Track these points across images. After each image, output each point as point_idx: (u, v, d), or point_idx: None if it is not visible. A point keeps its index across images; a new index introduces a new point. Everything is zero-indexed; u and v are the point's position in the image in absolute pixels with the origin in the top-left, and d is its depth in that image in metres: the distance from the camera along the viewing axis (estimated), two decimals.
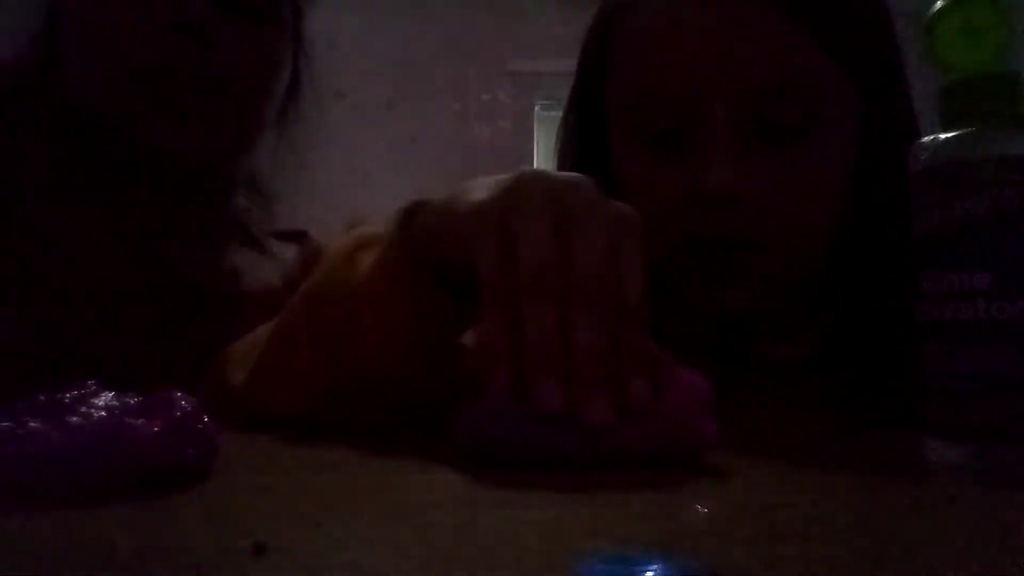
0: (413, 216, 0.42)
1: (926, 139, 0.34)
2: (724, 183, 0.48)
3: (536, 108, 3.78)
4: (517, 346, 0.33)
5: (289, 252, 0.74)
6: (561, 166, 0.62)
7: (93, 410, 0.29)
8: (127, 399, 0.30)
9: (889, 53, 0.55)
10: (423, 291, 0.40)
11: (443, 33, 3.32)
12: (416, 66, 3.28)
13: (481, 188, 0.38)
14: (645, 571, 0.17)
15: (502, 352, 0.33)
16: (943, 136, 0.33)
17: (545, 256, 0.34)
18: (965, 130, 0.33)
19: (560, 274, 0.33)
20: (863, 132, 0.52)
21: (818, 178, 0.51)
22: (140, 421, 0.29)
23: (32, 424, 0.28)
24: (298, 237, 0.76)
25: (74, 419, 0.28)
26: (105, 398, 0.29)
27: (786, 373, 0.56)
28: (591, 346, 0.32)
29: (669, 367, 0.34)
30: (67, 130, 0.60)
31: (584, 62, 0.59)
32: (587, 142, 0.59)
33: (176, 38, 0.56)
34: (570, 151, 0.62)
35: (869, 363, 0.53)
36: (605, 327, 0.33)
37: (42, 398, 0.29)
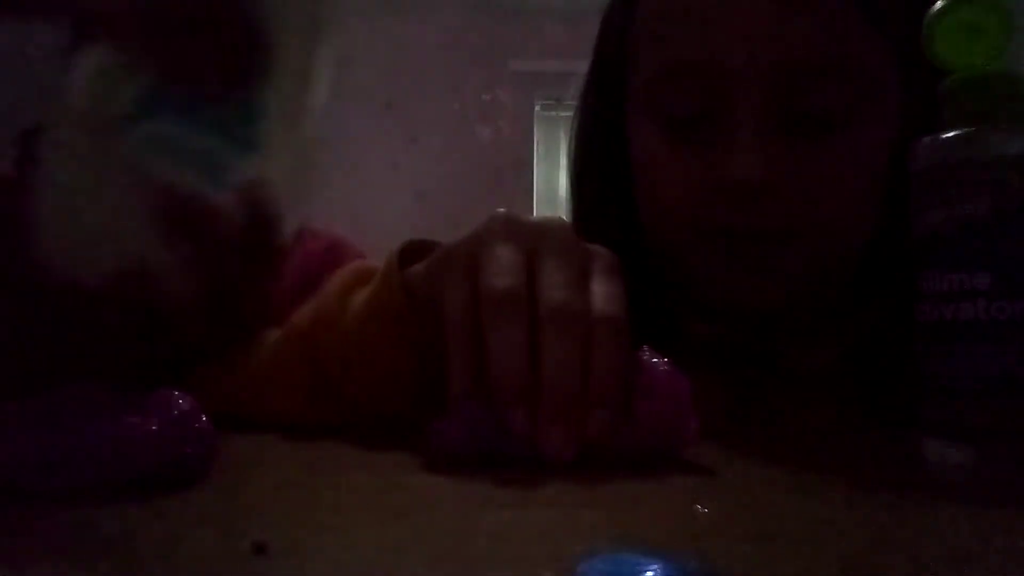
0: (407, 255, 0.42)
1: (926, 139, 0.34)
2: (752, 172, 0.44)
3: (536, 108, 3.78)
4: (480, 375, 0.33)
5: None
6: (578, 151, 0.58)
7: (93, 409, 0.29)
8: (126, 398, 0.30)
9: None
10: (413, 333, 0.40)
11: (443, 33, 3.32)
12: (416, 66, 3.29)
13: (459, 242, 0.38)
14: (645, 571, 0.17)
15: (466, 385, 0.33)
16: (943, 136, 0.33)
17: (508, 283, 0.33)
18: (965, 130, 0.33)
19: (524, 299, 0.33)
20: (903, 125, 0.47)
21: (854, 172, 0.47)
22: (137, 419, 0.29)
23: (32, 423, 0.28)
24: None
25: (73, 417, 0.28)
26: (104, 397, 0.29)
27: (813, 380, 0.53)
28: (557, 366, 0.32)
29: (647, 372, 0.33)
30: None
31: (604, 33, 0.54)
32: (605, 126, 0.55)
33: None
34: (586, 136, 0.58)
35: (899, 368, 0.48)
36: (573, 347, 0.32)
37: (41, 398, 0.29)
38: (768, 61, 0.44)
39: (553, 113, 3.74)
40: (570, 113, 0.62)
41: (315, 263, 0.76)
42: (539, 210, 3.35)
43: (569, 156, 0.60)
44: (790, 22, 0.44)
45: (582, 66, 0.60)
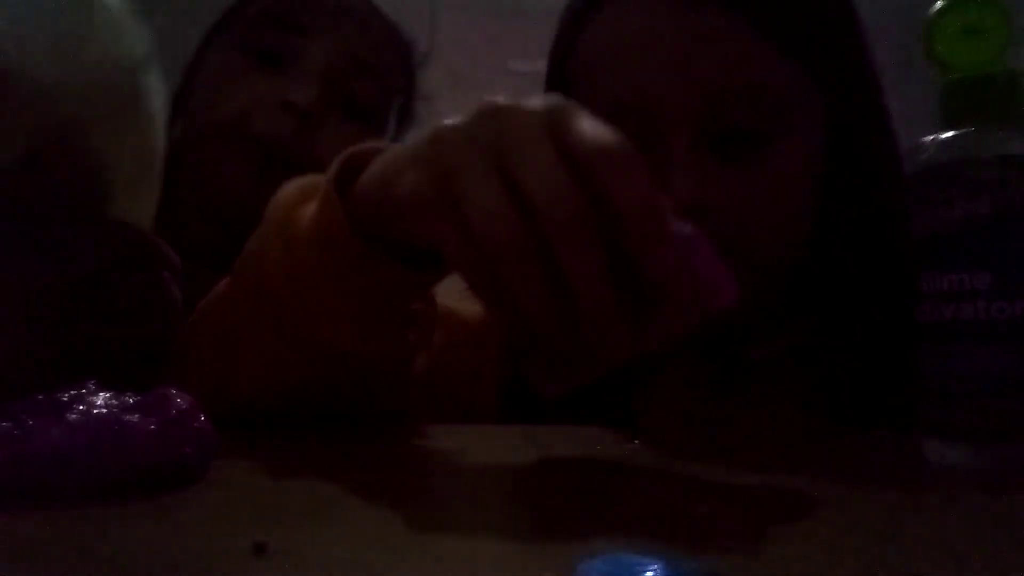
0: (350, 174, 0.39)
1: (926, 139, 0.34)
2: (688, 195, 0.47)
3: None
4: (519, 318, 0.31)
5: None
6: None
7: (92, 408, 0.29)
8: (125, 397, 0.30)
9: (856, 57, 0.54)
10: (363, 263, 0.38)
11: (443, 33, 3.32)
12: (416, 66, 3.29)
13: (409, 159, 0.35)
14: (645, 571, 0.17)
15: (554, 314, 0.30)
16: (943, 136, 0.33)
17: (499, 224, 0.30)
18: (965, 130, 0.33)
19: (521, 225, 0.30)
20: (830, 138, 0.52)
21: (785, 185, 0.51)
22: (136, 418, 0.29)
23: (31, 423, 0.28)
24: None
25: (72, 417, 0.28)
26: (103, 397, 0.29)
27: (767, 372, 0.55)
28: (587, 280, 0.29)
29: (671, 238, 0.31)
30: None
31: (550, 72, 0.59)
32: None
33: (282, 115, 0.65)
34: None
35: (846, 362, 0.54)
36: (593, 249, 0.30)
37: (40, 398, 0.29)
38: (686, 90, 0.48)
39: None
40: None
41: None
42: None
43: None
44: (706, 54, 0.48)
45: None
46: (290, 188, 0.43)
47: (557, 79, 0.57)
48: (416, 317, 0.44)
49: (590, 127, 0.31)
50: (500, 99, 0.33)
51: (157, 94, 0.48)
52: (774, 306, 0.55)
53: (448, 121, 0.34)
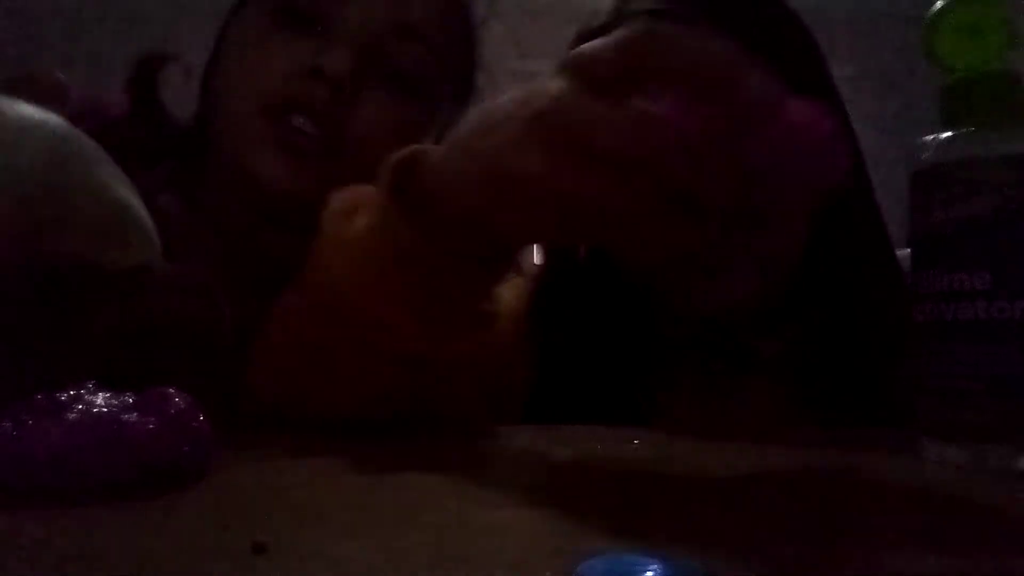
0: (408, 177, 0.39)
1: (926, 139, 0.34)
2: None
3: None
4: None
5: None
6: None
7: (91, 408, 0.29)
8: (124, 397, 0.30)
9: (819, 72, 0.58)
10: (426, 265, 0.38)
11: None
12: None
13: (509, 142, 0.33)
14: (644, 571, 0.17)
15: None
16: (943, 136, 0.33)
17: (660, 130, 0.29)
18: (965, 130, 0.33)
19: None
20: None
21: None
22: (135, 417, 0.29)
23: (30, 423, 0.28)
24: None
25: (72, 416, 0.28)
26: (102, 396, 0.29)
27: (771, 367, 0.57)
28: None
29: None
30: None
31: None
32: None
33: (312, 81, 0.57)
34: None
35: (834, 360, 0.56)
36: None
37: (39, 398, 0.29)
38: None
39: None
40: None
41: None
42: None
43: None
44: None
45: None
46: (340, 200, 0.43)
47: None
48: (485, 318, 0.43)
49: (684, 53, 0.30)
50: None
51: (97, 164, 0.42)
52: (780, 301, 0.56)
53: (530, 94, 0.33)
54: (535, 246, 0.65)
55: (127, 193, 0.41)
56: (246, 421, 0.41)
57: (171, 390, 0.31)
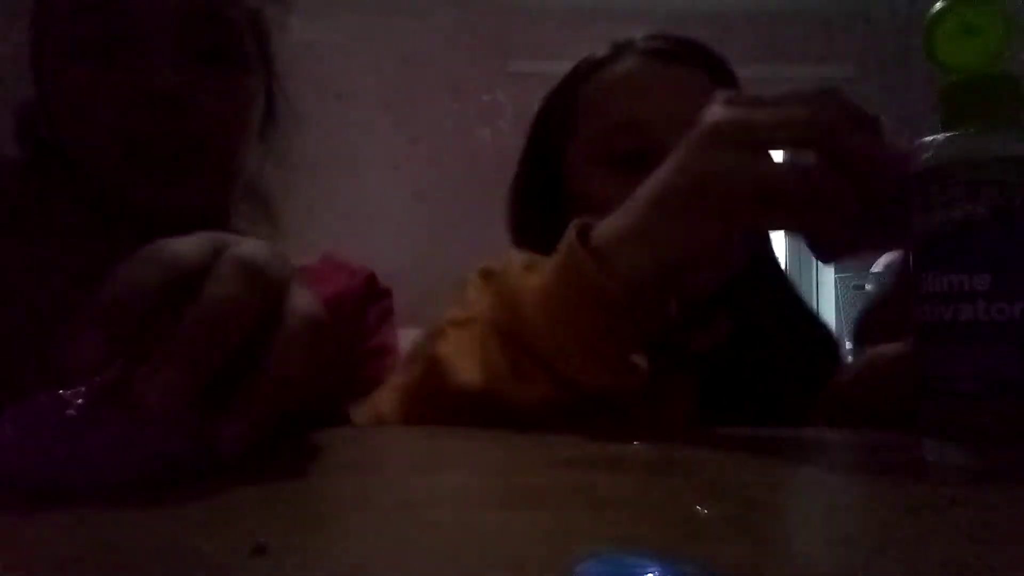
0: (583, 238, 0.47)
1: (926, 139, 0.34)
2: None
3: (536, 109, 3.78)
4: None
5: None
6: (519, 182, 0.81)
7: (94, 402, 0.29)
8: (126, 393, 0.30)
9: None
10: (607, 314, 0.44)
11: (443, 33, 3.32)
12: (416, 66, 3.28)
13: (684, 190, 0.44)
14: (645, 572, 0.17)
15: None
16: (943, 136, 0.33)
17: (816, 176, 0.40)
18: (965, 130, 0.33)
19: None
20: None
21: None
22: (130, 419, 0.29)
23: (35, 423, 0.28)
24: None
25: (74, 414, 0.28)
26: (101, 392, 0.30)
27: (704, 360, 0.66)
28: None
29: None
30: (78, 198, 0.64)
31: (548, 110, 0.79)
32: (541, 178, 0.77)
33: (148, 108, 0.59)
34: (527, 176, 0.80)
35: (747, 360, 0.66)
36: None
37: (43, 398, 0.29)
38: (674, 120, 0.60)
39: None
40: None
41: (358, 297, 0.78)
42: None
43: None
44: (685, 99, 0.66)
45: None
46: (517, 262, 0.52)
47: (558, 115, 0.76)
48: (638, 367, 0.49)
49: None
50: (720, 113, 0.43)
51: None
52: (711, 301, 0.65)
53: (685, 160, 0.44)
54: None
55: None
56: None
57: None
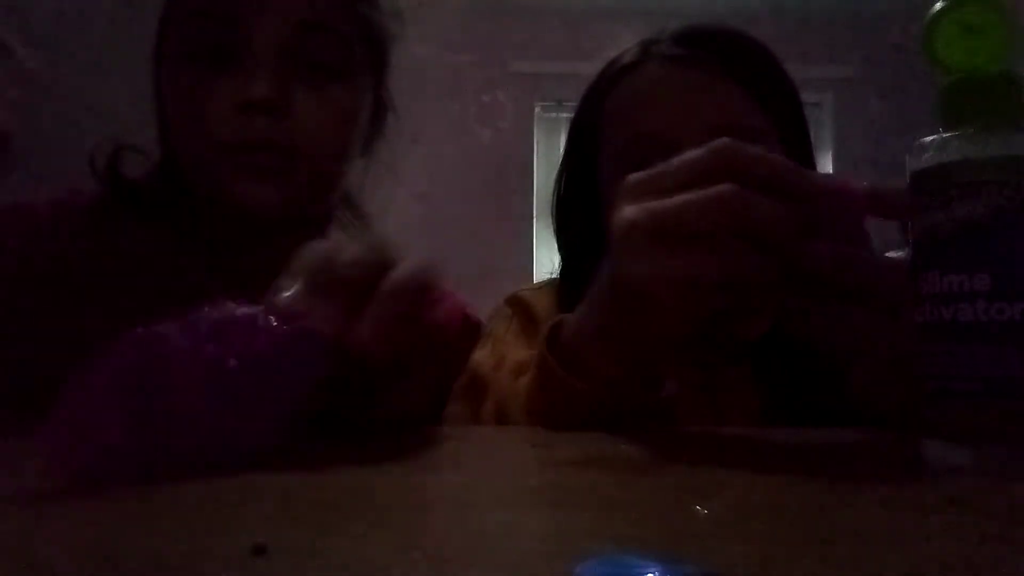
0: (552, 342, 0.51)
1: (926, 139, 0.34)
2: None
3: (536, 110, 3.78)
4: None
5: None
6: (559, 187, 0.82)
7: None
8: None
9: (799, 114, 0.74)
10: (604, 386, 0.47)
11: (443, 33, 3.32)
12: (416, 67, 3.28)
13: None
14: (645, 572, 0.17)
15: None
16: (943, 136, 0.33)
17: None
18: (965, 130, 0.33)
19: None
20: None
21: None
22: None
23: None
24: None
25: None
26: None
27: (747, 352, 0.67)
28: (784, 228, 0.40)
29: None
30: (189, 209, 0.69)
31: (580, 116, 0.78)
32: (581, 177, 0.78)
33: (246, 116, 0.61)
34: (567, 181, 0.81)
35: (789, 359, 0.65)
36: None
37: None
38: (697, 128, 0.63)
39: (553, 114, 3.73)
40: (570, 115, 0.81)
41: (454, 332, 0.80)
42: (538, 211, 3.35)
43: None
44: (708, 106, 0.67)
45: (582, 67, 0.66)
46: (511, 363, 0.59)
47: (589, 119, 0.76)
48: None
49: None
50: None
51: None
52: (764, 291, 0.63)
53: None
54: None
55: None
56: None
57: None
